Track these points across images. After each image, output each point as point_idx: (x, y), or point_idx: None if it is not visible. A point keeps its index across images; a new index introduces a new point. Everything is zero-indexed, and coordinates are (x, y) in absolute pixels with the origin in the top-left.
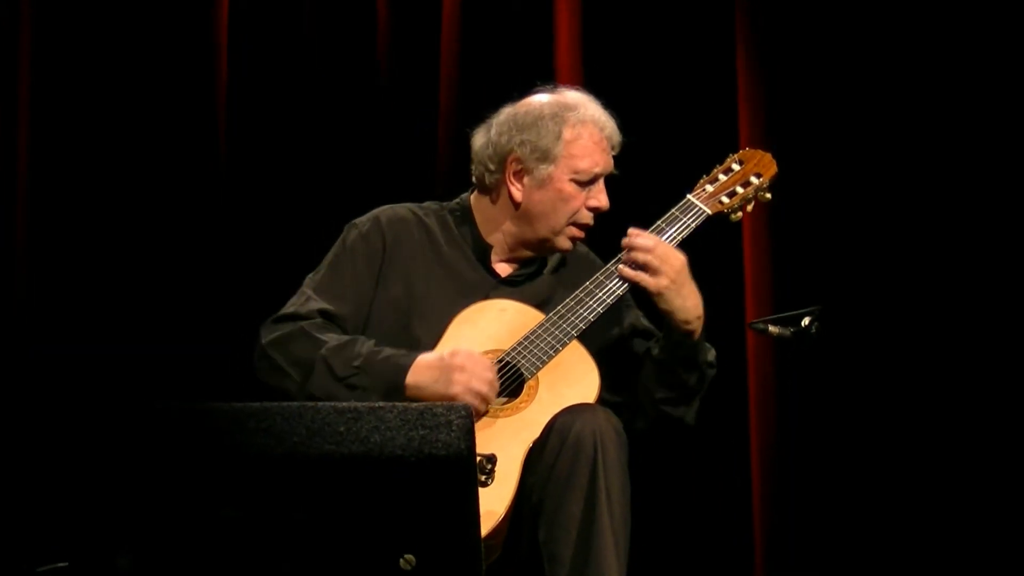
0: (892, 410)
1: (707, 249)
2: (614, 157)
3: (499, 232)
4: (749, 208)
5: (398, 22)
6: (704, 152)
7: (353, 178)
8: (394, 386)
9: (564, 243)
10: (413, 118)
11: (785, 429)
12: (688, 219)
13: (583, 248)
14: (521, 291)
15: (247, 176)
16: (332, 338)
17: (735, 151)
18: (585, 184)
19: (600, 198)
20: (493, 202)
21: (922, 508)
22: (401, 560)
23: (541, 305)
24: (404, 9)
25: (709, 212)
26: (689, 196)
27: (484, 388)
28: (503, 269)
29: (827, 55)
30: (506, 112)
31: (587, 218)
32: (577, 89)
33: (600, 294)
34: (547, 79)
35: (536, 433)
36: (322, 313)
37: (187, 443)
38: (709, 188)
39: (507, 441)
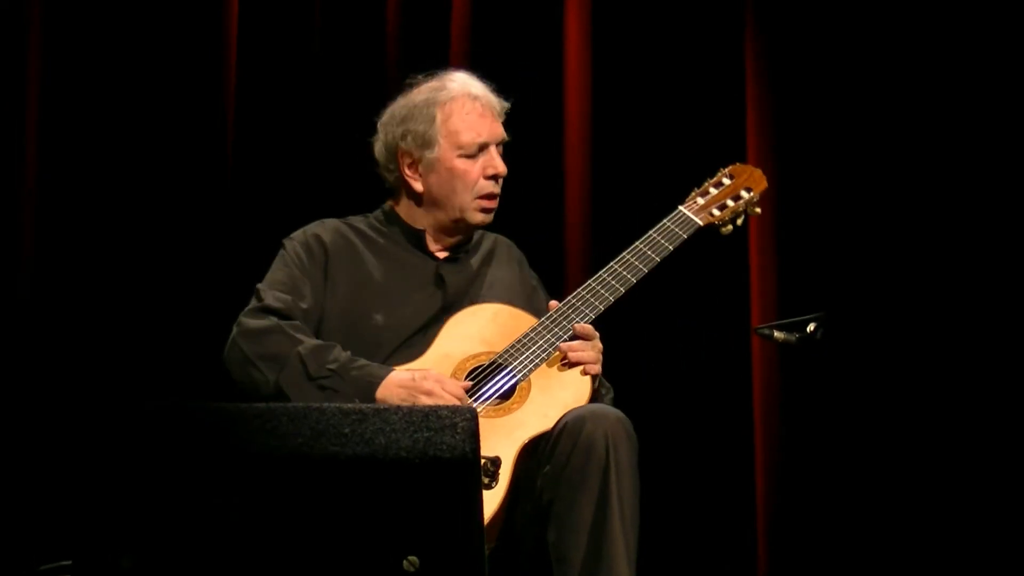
0: (897, 416)
1: (713, 254)
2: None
3: (421, 222)
4: (739, 222)
5: (407, 26)
6: (712, 159)
7: (360, 181)
8: (364, 397)
9: (476, 217)
10: None
11: (789, 433)
12: (680, 230)
13: (504, 238)
14: (465, 267)
15: (254, 179)
16: (309, 340)
17: (743, 158)
18: (474, 156)
19: (495, 165)
20: (405, 198)
21: (926, 512)
22: (405, 562)
23: (490, 285)
24: (413, 13)
25: (700, 224)
26: (681, 208)
27: None
28: (440, 254)
29: (836, 64)
30: (387, 111)
31: (489, 188)
32: (456, 70)
33: (594, 301)
34: (556, 85)
35: (528, 433)
36: (294, 304)
37: (191, 443)
38: (700, 201)
39: (499, 441)
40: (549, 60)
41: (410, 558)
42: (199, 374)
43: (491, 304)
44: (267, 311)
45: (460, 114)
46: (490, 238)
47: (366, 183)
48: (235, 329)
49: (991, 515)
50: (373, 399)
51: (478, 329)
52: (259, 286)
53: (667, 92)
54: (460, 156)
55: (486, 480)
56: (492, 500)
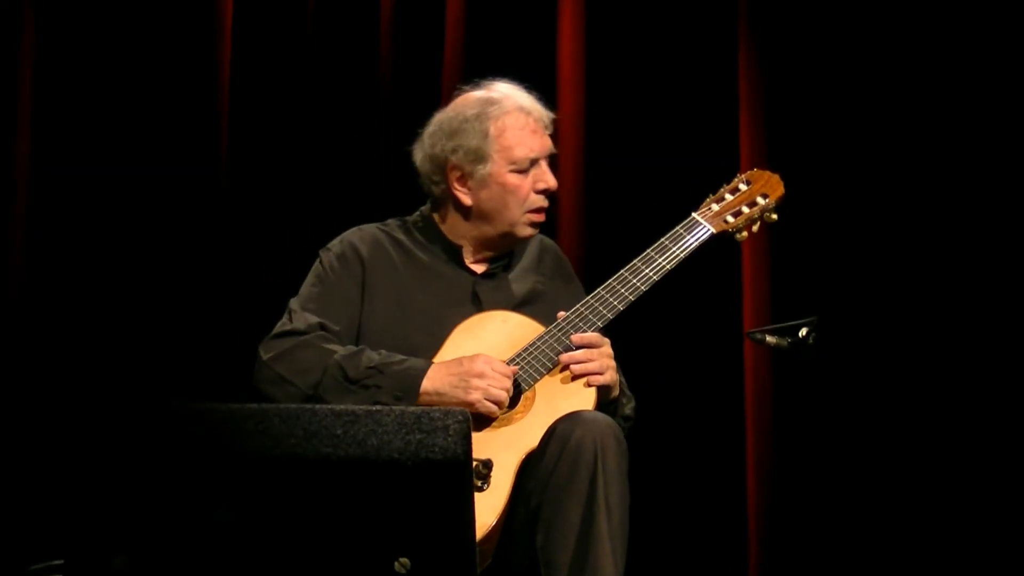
0: (888, 421)
1: (706, 258)
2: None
3: (463, 237)
4: (755, 228)
5: (401, 23)
6: (705, 160)
7: (354, 189)
8: (410, 390)
9: (525, 231)
10: (415, 128)
11: (781, 438)
12: (691, 238)
13: (551, 242)
14: (502, 285)
15: (248, 180)
16: (340, 348)
17: (735, 160)
18: (526, 171)
19: (547, 179)
20: (448, 211)
21: (918, 517)
22: (396, 563)
23: (529, 300)
24: (407, 13)
25: (714, 231)
26: (694, 215)
27: (502, 395)
28: (477, 268)
29: (829, 65)
30: (434, 122)
31: (540, 202)
32: (500, 80)
33: (602, 309)
34: (550, 88)
35: (531, 443)
36: (321, 327)
37: (185, 443)
38: (715, 207)
39: (501, 450)
40: (543, 59)
41: (401, 559)
42: (193, 375)
43: (501, 312)
44: (294, 334)
45: (514, 129)
46: (535, 243)
47: (360, 183)
48: (262, 352)
49: (983, 519)
50: (416, 391)
51: (486, 337)
52: (292, 304)
53: (660, 94)
54: (512, 171)
55: (478, 483)
56: (491, 512)
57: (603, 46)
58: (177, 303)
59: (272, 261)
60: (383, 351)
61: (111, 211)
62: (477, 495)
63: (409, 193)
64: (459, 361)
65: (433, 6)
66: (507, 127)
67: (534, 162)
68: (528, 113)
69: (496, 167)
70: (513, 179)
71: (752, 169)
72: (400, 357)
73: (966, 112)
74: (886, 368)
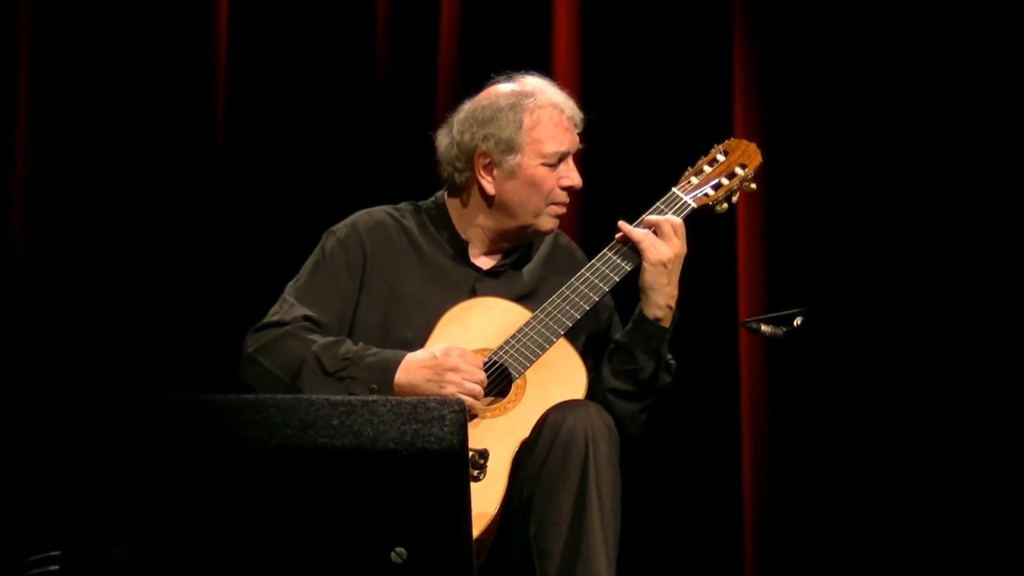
0: (884, 410)
1: (701, 247)
2: (580, 134)
3: (475, 227)
4: (734, 199)
5: (397, 26)
6: (699, 147)
7: (351, 182)
8: (384, 382)
9: (546, 224)
10: (411, 122)
11: (777, 427)
12: (673, 213)
13: (567, 239)
14: (505, 282)
15: (244, 179)
16: (320, 339)
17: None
18: (554, 165)
19: (572, 176)
20: (467, 199)
21: (914, 507)
22: (392, 553)
23: (529, 295)
24: (403, 13)
25: (694, 205)
26: (674, 189)
27: (477, 388)
28: (484, 263)
29: (823, 51)
30: (465, 109)
31: (563, 197)
32: (532, 74)
33: (587, 291)
34: (545, 73)
35: (525, 433)
36: (306, 319)
37: (181, 434)
38: (694, 180)
39: (495, 441)
40: (538, 57)
41: (398, 549)
42: (189, 366)
43: (486, 298)
44: (278, 325)
45: (548, 123)
46: (550, 240)
47: (356, 184)
48: (248, 343)
49: (979, 510)
50: (391, 383)
51: (472, 324)
52: (286, 291)
53: (655, 79)
54: (541, 164)
55: (474, 472)
56: (490, 503)
57: (598, 45)
58: (173, 296)
59: (268, 259)
60: (360, 343)
61: (105, 206)
62: (475, 486)
63: (408, 192)
64: (432, 355)
65: (428, 4)
66: (541, 120)
67: (562, 158)
68: (562, 110)
69: (526, 159)
70: (541, 172)
71: (729, 139)
72: (375, 349)
73: (962, 101)
74: (881, 357)
